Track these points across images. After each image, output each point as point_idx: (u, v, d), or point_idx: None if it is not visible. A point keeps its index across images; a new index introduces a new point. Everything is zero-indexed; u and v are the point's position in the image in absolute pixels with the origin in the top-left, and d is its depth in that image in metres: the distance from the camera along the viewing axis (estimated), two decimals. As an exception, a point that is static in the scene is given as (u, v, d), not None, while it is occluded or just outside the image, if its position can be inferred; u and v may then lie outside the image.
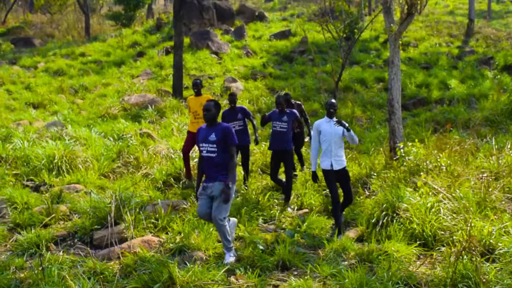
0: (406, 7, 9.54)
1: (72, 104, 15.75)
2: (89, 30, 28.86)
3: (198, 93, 9.18)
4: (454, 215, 6.36)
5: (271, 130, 8.72)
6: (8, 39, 26.05)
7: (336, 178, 7.11)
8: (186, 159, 9.00)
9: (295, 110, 8.67)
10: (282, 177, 8.91)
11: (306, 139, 10.55)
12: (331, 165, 7.01)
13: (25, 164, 9.25)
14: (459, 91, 16.66)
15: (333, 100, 7.60)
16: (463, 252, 5.21)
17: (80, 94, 17.12)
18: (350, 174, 9.15)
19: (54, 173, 8.94)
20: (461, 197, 6.74)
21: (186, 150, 8.99)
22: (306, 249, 6.38)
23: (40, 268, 5.19)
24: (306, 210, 8.05)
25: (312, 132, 7.26)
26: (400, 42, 9.88)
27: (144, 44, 24.01)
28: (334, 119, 7.06)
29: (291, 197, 8.40)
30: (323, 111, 15.24)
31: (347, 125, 6.83)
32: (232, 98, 9.24)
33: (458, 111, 14.67)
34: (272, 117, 8.58)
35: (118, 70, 19.84)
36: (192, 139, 8.79)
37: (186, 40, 21.52)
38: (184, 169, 9.17)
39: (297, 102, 10.53)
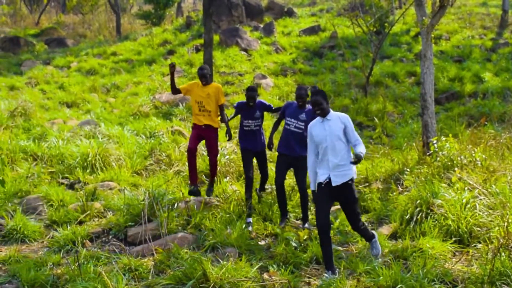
0: (438, -1, 9.38)
1: (105, 102, 15.97)
2: (120, 30, 29.20)
3: (206, 83, 7.65)
4: (490, 211, 6.23)
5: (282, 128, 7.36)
6: (42, 40, 26.54)
7: (335, 196, 5.61)
8: (191, 158, 7.66)
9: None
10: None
11: None
12: (329, 179, 5.52)
13: (60, 162, 9.42)
14: (493, 84, 16.30)
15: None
16: (501, 249, 5.10)
17: (112, 93, 17.34)
18: (383, 169, 9.09)
19: (88, 171, 9.09)
20: (498, 193, 6.59)
21: (191, 147, 7.62)
22: (339, 246, 6.34)
23: (76, 264, 5.29)
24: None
25: (307, 139, 5.85)
26: (432, 35, 9.72)
27: (174, 42, 24.17)
28: (330, 116, 5.60)
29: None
30: (354, 107, 15.12)
31: (361, 156, 5.35)
32: (252, 95, 7.37)
33: (493, 105, 14.36)
34: (286, 111, 7.26)
35: (149, 69, 20.02)
36: (197, 135, 7.71)
37: (216, 38, 21.57)
38: (188, 169, 7.82)
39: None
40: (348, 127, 5.59)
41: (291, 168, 7.40)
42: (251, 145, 7.52)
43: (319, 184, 5.60)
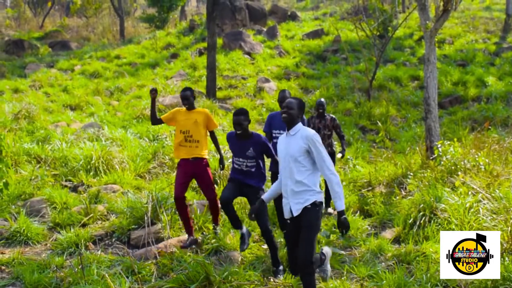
0: (441, 3, 9.38)
1: (108, 105, 16.00)
2: (123, 33, 29.27)
3: (190, 108, 6.59)
4: (494, 215, 6.21)
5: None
6: (46, 43, 26.61)
7: (298, 228, 4.71)
8: (181, 208, 6.39)
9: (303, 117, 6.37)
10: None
11: (339, 155, 8.40)
12: (290, 211, 4.73)
13: (64, 164, 9.43)
14: (497, 88, 16.28)
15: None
16: (504, 253, 5.09)
17: (116, 96, 17.37)
18: (386, 174, 9.08)
19: (91, 173, 9.10)
20: (501, 197, 6.57)
21: (179, 196, 6.35)
22: (342, 250, 6.34)
23: (79, 267, 5.29)
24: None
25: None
26: (436, 39, 9.72)
27: (178, 46, 24.21)
28: (294, 130, 4.71)
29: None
30: (357, 111, 15.11)
31: (345, 222, 4.51)
32: (237, 120, 5.63)
33: (496, 109, 14.35)
34: (271, 124, 6.62)
35: (153, 72, 20.06)
36: (184, 175, 6.46)
37: (219, 41, 21.62)
38: (181, 221, 6.62)
39: (332, 116, 8.32)
40: (313, 151, 4.55)
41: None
42: (241, 177, 5.89)
43: (286, 220, 4.87)
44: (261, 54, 21.56)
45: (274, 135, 6.56)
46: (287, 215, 4.78)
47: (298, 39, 24.42)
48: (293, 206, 4.67)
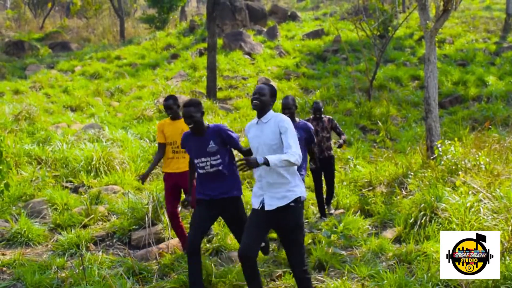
0: (441, 3, 9.38)
1: (108, 106, 16.00)
2: (124, 34, 29.28)
3: (174, 117, 6.21)
4: (494, 215, 6.21)
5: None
6: (46, 44, 26.62)
7: (271, 223, 4.49)
8: (174, 222, 6.15)
9: (309, 124, 6.37)
10: None
11: (340, 141, 8.00)
12: (261, 203, 4.44)
13: (64, 166, 9.44)
14: (497, 88, 16.27)
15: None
16: (505, 252, 5.09)
17: (116, 97, 17.37)
18: (386, 173, 9.08)
19: (92, 174, 9.11)
20: (502, 197, 6.56)
21: (172, 210, 6.11)
22: (343, 250, 6.33)
23: (81, 268, 5.29)
24: (342, 210, 8.00)
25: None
26: (436, 39, 9.72)
27: (178, 46, 24.23)
28: (267, 117, 4.47)
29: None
30: (358, 111, 15.11)
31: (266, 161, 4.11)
32: (188, 111, 4.98)
33: (497, 109, 14.35)
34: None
35: (153, 73, 20.07)
36: (172, 189, 6.12)
37: (219, 42, 21.62)
38: (179, 239, 6.29)
39: (329, 117, 8.16)
40: (283, 133, 4.32)
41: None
42: (209, 191, 5.06)
43: (253, 210, 4.53)
44: (261, 55, 21.57)
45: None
46: (256, 205, 4.47)
47: (298, 39, 24.42)
48: (267, 200, 4.38)
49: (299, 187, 4.45)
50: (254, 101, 4.46)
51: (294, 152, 4.20)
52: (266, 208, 4.37)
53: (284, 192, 4.37)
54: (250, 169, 4.19)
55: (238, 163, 4.17)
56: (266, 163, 4.10)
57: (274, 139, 4.37)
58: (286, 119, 4.40)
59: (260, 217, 4.43)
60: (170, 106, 6.15)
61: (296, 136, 4.37)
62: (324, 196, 8.19)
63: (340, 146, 8.08)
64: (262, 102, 4.45)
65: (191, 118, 4.92)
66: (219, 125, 5.11)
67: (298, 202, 4.39)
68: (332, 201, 8.36)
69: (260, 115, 4.50)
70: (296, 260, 4.42)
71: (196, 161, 5.04)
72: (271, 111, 4.52)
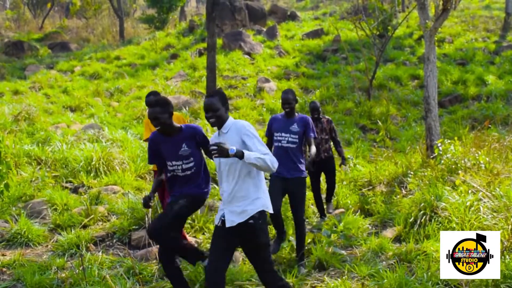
0: (441, 2, 9.38)
1: (108, 106, 16.00)
2: (123, 34, 29.28)
3: None
4: (494, 214, 6.21)
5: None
6: (45, 44, 26.61)
7: (235, 241, 4.21)
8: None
9: (307, 117, 6.12)
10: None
11: (344, 168, 8.21)
12: (221, 218, 4.20)
13: (64, 166, 9.44)
14: (497, 87, 16.27)
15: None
16: (505, 251, 5.09)
17: (116, 97, 17.37)
18: (386, 173, 9.08)
19: (92, 174, 9.10)
20: (502, 195, 6.57)
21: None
22: (343, 249, 6.34)
23: (80, 268, 5.30)
24: (342, 210, 8.00)
25: None
26: (435, 38, 9.72)
27: (178, 46, 24.22)
28: (226, 127, 4.22)
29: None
30: (357, 110, 15.10)
31: (232, 150, 3.85)
32: (153, 112, 4.62)
33: (496, 108, 14.35)
34: (272, 127, 6.08)
35: (152, 73, 20.06)
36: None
37: (219, 42, 21.62)
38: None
39: (328, 118, 7.99)
40: (247, 141, 4.07)
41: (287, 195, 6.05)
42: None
43: (215, 227, 4.29)
44: (261, 54, 21.57)
45: (275, 138, 5.99)
46: (216, 221, 4.26)
47: (298, 39, 24.42)
48: (227, 216, 4.11)
49: (261, 200, 4.13)
50: (210, 121, 4.17)
51: (272, 158, 4.02)
52: (227, 224, 4.09)
53: (244, 206, 4.07)
54: (220, 157, 3.87)
55: (210, 148, 3.84)
56: (240, 155, 3.84)
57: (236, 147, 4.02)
58: (247, 125, 4.16)
59: (221, 235, 4.16)
60: (151, 103, 5.77)
61: (262, 142, 4.12)
62: (324, 196, 8.20)
63: (343, 163, 8.21)
64: (219, 117, 4.17)
65: (157, 120, 4.50)
66: (195, 127, 4.75)
67: (258, 218, 4.07)
68: (332, 200, 8.30)
69: (220, 127, 4.23)
70: (268, 279, 4.22)
71: (167, 164, 4.74)
72: (230, 118, 4.26)
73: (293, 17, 28.84)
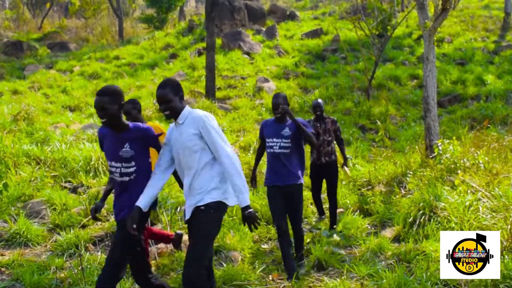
0: (440, 2, 9.38)
1: (108, 106, 15.95)
2: (122, 34, 29.28)
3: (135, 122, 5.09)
4: (493, 213, 6.21)
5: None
6: (44, 44, 26.60)
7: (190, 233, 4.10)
8: (150, 231, 5.56)
9: (301, 119, 5.83)
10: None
11: (346, 169, 7.78)
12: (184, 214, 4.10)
13: (63, 166, 9.42)
14: (496, 86, 16.28)
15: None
16: (504, 251, 5.09)
17: (115, 97, 17.33)
18: (385, 172, 9.08)
19: (91, 174, 9.09)
20: (501, 195, 6.57)
21: None
22: (342, 249, 6.33)
23: (79, 268, 5.29)
24: (342, 210, 7.99)
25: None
26: (435, 38, 9.72)
27: (177, 46, 24.21)
28: (182, 117, 4.02)
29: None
30: (357, 110, 15.11)
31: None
32: (99, 101, 4.01)
33: (496, 107, 14.35)
34: (264, 132, 5.81)
35: (152, 72, 20.05)
36: None
37: (218, 41, 21.61)
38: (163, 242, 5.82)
39: (333, 118, 7.50)
40: (204, 133, 3.88)
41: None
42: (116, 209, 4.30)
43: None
44: (260, 54, 21.56)
45: (267, 144, 5.71)
46: (184, 219, 4.08)
47: (297, 38, 24.42)
48: (187, 209, 3.96)
49: (218, 191, 3.94)
50: (164, 113, 3.98)
51: (230, 161, 3.85)
52: (186, 218, 4.01)
53: (203, 196, 3.91)
54: (255, 221, 3.89)
55: (248, 226, 3.90)
56: (248, 205, 3.87)
57: (194, 140, 3.89)
58: (204, 115, 3.93)
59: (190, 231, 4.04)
60: (129, 111, 5.46)
61: (222, 133, 3.98)
62: (323, 196, 8.10)
63: (344, 165, 7.75)
64: (173, 108, 3.97)
65: (104, 111, 3.92)
66: (145, 129, 4.12)
67: (211, 207, 3.88)
68: (335, 225, 7.25)
69: (176, 117, 4.03)
70: (185, 272, 3.86)
71: (108, 163, 4.18)
72: (186, 108, 4.04)
73: (292, 16, 28.84)
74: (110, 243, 6.71)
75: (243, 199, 3.85)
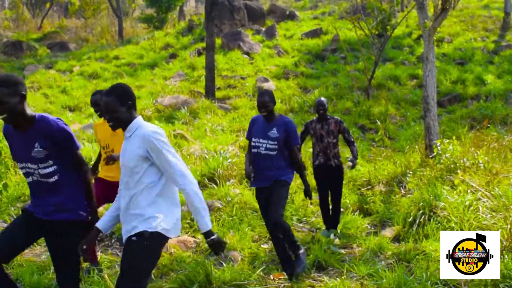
0: (440, 2, 9.38)
1: (107, 106, 15.94)
2: (122, 34, 29.27)
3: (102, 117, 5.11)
4: (493, 213, 6.21)
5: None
6: (44, 44, 26.60)
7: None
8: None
9: (289, 119, 5.47)
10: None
11: (349, 163, 7.14)
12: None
13: (63, 166, 9.41)
14: (496, 86, 16.28)
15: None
16: (504, 251, 5.09)
17: (115, 97, 17.32)
18: (385, 172, 9.08)
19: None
20: (500, 195, 6.57)
21: None
22: (341, 249, 6.33)
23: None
24: (342, 210, 7.99)
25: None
26: (434, 38, 9.72)
27: (176, 46, 24.21)
28: (130, 130, 3.43)
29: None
30: (356, 110, 15.10)
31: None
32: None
33: (495, 107, 14.35)
34: (252, 131, 5.55)
35: (151, 72, 20.04)
36: (102, 190, 5.19)
37: (218, 41, 21.59)
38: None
39: (337, 118, 7.16)
40: (153, 156, 3.32)
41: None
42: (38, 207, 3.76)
43: None
44: (260, 54, 21.55)
45: (253, 143, 5.46)
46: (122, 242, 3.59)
47: (297, 38, 24.41)
48: (124, 236, 3.43)
49: (158, 220, 3.35)
50: (109, 124, 3.41)
51: (185, 181, 3.33)
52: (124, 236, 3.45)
53: (136, 223, 3.36)
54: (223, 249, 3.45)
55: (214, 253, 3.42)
56: (209, 230, 3.38)
57: (136, 162, 3.33)
58: (153, 132, 3.33)
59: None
60: (97, 102, 5.01)
61: (173, 149, 3.41)
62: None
63: (353, 167, 7.12)
64: (117, 119, 3.40)
65: (2, 105, 3.28)
66: (54, 123, 3.50)
67: (147, 238, 3.29)
68: (337, 228, 7.05)
69: (123, 129, 3.48)
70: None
71: (19, 165, 3.60)
72: (137, 120, 3.46)
73: (292, 16, 28.83)
74: (110, 243, 6.71)
75: (204, 223, 3.36)
